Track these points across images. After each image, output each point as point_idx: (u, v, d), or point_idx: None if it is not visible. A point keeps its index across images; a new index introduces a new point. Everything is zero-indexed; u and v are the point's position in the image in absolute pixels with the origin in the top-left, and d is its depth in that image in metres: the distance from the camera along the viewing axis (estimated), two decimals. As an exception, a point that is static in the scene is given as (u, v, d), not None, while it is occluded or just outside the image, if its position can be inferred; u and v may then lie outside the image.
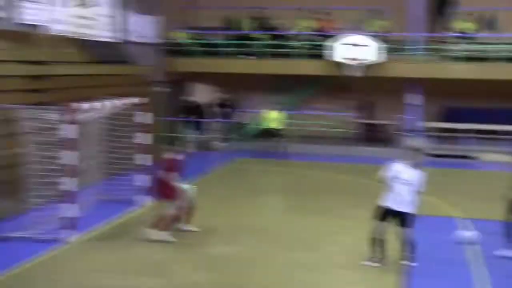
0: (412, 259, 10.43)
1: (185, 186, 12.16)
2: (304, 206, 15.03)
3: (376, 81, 24.66)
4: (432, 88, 24.31)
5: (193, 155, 12.84)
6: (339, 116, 25.61)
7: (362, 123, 25.73)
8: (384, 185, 10.37)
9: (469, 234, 12.06)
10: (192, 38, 25.27)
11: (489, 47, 23.88)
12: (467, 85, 24.40)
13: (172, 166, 11.86)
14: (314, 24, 25.41)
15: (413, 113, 24.07)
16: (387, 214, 10.26)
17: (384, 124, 26.11)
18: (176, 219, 11.99)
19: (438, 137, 23.99)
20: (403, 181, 10.13)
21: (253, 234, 12.39)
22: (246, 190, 17.08)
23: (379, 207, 10.39)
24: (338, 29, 24.91)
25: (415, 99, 23.87)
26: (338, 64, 23.44)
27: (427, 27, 25.36)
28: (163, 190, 11.80)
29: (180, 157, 12.08)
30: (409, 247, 10.40)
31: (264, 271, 10.22)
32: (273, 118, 23.09)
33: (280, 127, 23.03)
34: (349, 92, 26.56)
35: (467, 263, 10.80)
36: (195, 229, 12.40)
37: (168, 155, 11.99)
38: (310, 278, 9.86)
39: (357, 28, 25.22)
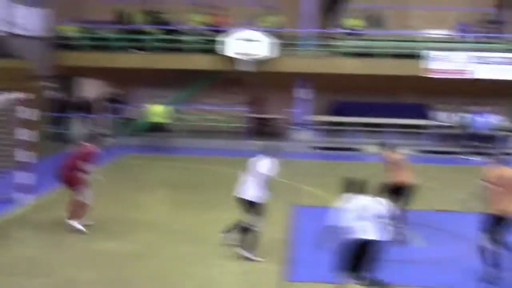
0: (248, 247, 10.62)
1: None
2: (192, 200, 15.09)
3: (268, 76, 25.05)
4: (321, 82, 24.95)
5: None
6: (230, 111, 25.87)
7: (252, 117, 26.01)
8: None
9: None
10: (81, 32, 24.82)
11: (375, 43, 24.76)
12: (355, 80, 25.21)
13: (89, 157, 12.01)
14: (207, 19, 25.46)
15: (303, 107, 24.60)
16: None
17: (274, 118, 26.55)
18: (83, 207, 12.00)
19: (327, 130, 24.63)
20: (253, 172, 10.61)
21: (140, 229, 12.35)
22: (134, 185, 16.98)
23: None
24: (231, 25, 25.15)
25: (305, 93, 24.40)
26: (231, 59, 23.63)
27: (318, 23, 26.02)
28: (71, 178, 11.86)
29: (97, 150, 12.20)
30: (246, 236, 10.66)
31: (150, 265, 10.20)
32: (158, 112, 23.06)
33: (166, 121, 23.02)
34: (241, 86, 26.86)
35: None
36: (89, 222, 12.24)
37: (86, 146, 12.12)
38: (195, 271, 9.93)
39: (249, 23, 25.53)
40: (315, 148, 23.84)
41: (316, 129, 24.58)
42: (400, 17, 27.18)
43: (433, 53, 23.77)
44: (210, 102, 26.33)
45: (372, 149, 23.65)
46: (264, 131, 26.57)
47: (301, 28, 24.88)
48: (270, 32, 24.63)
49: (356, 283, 8.55)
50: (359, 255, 8.41)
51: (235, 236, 10.90)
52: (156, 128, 22.91)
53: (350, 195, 8.55)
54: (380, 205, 8.52)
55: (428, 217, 13.93)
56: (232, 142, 24.28)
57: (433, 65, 23.74)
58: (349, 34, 24.81)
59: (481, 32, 25.45)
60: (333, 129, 24.80)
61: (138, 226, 12.61)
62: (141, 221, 13.03)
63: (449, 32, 25.88)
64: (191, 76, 25.98)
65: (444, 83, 24.42)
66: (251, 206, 10.53)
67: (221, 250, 11.02)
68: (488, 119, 24.21)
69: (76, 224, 11.84)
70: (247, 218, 10.59)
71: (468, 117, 24.38)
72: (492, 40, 25.18)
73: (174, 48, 24.75)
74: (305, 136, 24.28)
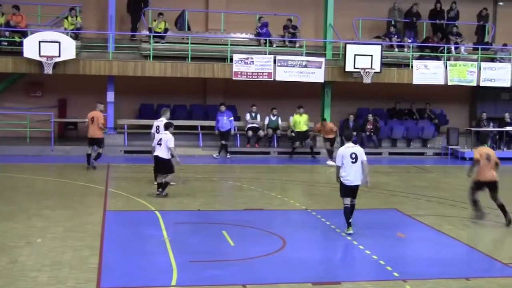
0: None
1: None
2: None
3: (74, 79, 24.40)
4: (126, 85, 24.70)
5: None
6: (31, 115, 24.91)
7: (55, 121, 25.06)
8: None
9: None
10: None
11: (182, 46, 24.93)
12: (161, 83, 25.23)
13: None
14: (3, 19, 24.18)
15: (110, 111, 24.17)
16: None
17: (78, 122, 25.79)
18: None
19: (133, 133, 24.36)
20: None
21: None
22: None
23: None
24: (31, 25, 24.16)
25: (109, 96, 23.99)
26: (32, 61, 22.62)
27: (121, 25, 25.77)
28: None
29: None
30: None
31: None
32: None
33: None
34: (42, 90, 25.89)
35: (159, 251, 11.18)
36: None
37: None
38: (2, 283, 9.36)
39: (53, 24, 24.70)
40: (124, 152, 23.55)
41: (124, 133, 24.34)
42: (205, 21, 27.69)
43: (237, 56, 24.39)
44: (11, 107, 25.17)
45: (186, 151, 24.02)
46: (70, 135, 25.85)
47: (108, 30, 24.47)
48: (75, 33, 23.99)
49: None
50: None
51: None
52: None
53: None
54: None
55: (237, 217, 14.29)
56: (35, 148, 23.22)
57: (238, 67, 24.36)
58: (157, 37, 24.77)
59: (282, 36, 26.55)
60: (140, 132, 24.32)
61: None
62: None
63: (252, 36, 26.68)
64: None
65: (250, 84, 25.19)
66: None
67: (30, 262, 10.46)
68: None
69: None
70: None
71: (274, 117, 25.33)
72: (291, 44, 26.40)
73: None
74: (113, 140, 23.89)
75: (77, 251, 11.03)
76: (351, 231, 12.58)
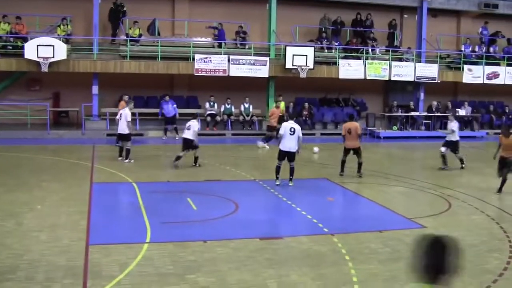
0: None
1: None
2: (3, 182, 13.92)
3: (65, 75, 23.98)
4: (108, 80, 24.38)
5: None
6: (31, 106, 24.44)
7: (52, 111, 24.70)
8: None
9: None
10: None
11: (152, 48, 24.71)
12: (136, 78, 24.97)
13: None
14: (8, 27, 23.62)
15: (95, 101, 23.92)
16: None
17: (71, 111, 25.44)
18: None
19: (114, 120, 24.05)
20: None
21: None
22: None
23: None
24: (30, 32, 23.64)
25: (96, 89, 23.72)
26: (32, 62, 22.17)
27: (107, 32, 25.38)
28: None
29: None
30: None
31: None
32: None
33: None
34: (41, 84, 25.40)
35: (137, 215, 11.18)
36: None
37: None
38: (11, 242, 9.18)
39: (46, 31, 24.19)
40: (106, 135, 23.29)
41: (106, 119, 24.05)
42: (172, 27, 27.43)
43: (198, 56, 24.29)
44: (15, 99, 24.63)
45: (153, 134, 23.89)
46: (63, 121, 25.45)
47: (93, 35, 24.08)
48: (66, 39, 23.55)
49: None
50: None
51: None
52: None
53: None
54: None
55: (199, 186, 14.35)
56: (35, 132, 22.86)
57: (199, 65, 24.27)
58: (132, 40, 24.50)
59: (235, 40, 26.52)
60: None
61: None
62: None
63: (210, 39, 26.57)
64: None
65: (208, 79, 25.13)
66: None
67: (32, 224, 10.39)
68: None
69: None
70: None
71: (228, 105, 25.37)
72: (242, 47, 26.40)
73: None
74: (97, 125, 23.63)
75: (70, 215, 11.01)
76: (278, 183, 14.10)
